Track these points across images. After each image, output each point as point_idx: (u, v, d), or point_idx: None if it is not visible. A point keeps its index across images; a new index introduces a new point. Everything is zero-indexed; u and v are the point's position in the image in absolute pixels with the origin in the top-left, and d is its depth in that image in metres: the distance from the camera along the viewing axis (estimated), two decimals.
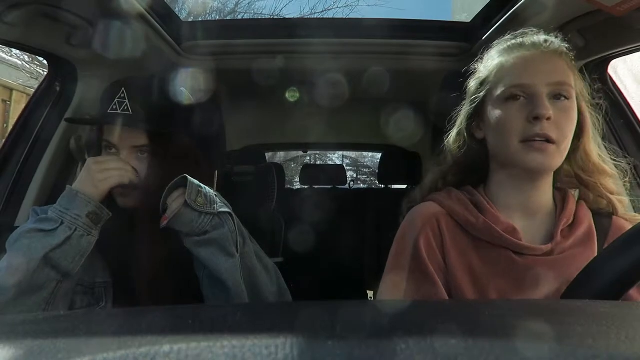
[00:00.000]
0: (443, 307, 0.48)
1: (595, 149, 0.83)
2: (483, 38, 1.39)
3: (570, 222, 0.81)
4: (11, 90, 5.91)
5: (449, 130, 0.92)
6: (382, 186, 2.74)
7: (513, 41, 0.83)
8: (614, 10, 0.88)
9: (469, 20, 1.55)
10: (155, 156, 0.94)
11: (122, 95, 0.91)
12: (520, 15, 1.16)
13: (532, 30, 0.84)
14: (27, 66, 6.83)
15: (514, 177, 0.81)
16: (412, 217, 0.85)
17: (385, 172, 2.63)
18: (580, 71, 1.20)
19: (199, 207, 0.89)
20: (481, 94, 0.84)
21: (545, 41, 0.80)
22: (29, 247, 0.81)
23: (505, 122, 0.77)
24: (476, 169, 0.88)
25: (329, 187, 2.89)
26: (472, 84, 0.88)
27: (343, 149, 6.10)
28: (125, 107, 0.91)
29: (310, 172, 3.03)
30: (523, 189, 0.81)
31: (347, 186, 3.01)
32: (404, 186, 2.73)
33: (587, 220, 0.82)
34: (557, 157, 0.75)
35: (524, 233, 0.79)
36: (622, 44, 1.11)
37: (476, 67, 0.89)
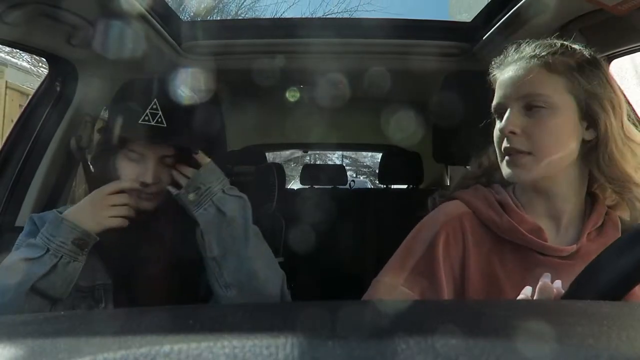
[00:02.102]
0: (443, 307, 0.48)
1: (627, 153, 0.75)
2: (484, 38, 1.39)
3: (598, 225, 0.79)
4: (27, 95, 5.98)
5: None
6: (383, 186, 2.74)
7: (509, 57, 0.82)
8: (616, 10, 0.88)
9: (469, 20, 1.54)
10: (178, 162, 0.94)
11: (155, 107, 0.89)
12: (521, 14, 1.16)
13: (528, 41, 0.81)
14: (34, 69, 6.83)
15: (527, 185, 0.80)
16: (435, 215, 0.83)
17: (385, 172, 2.63)
18: None
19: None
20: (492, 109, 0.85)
21: (523, 52, 0.79)
22: (16, 279, 0.80)
23: (494, 137, 0.80)
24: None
25: (330, 187, 2.89)
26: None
27: (343, 149, 6.10)
28: (159, 119, 0.89)
29: (310, 172, 3.03)
30: (542, 195, 0.79)
31: (347, 186, 3.01)
32: (404, 186, 2.73)
33: (616, 228, 0.80)
34: (536, 168, 0.74)
35: (550, 236, 0.77)
36: (623, 43, 1.10)
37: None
